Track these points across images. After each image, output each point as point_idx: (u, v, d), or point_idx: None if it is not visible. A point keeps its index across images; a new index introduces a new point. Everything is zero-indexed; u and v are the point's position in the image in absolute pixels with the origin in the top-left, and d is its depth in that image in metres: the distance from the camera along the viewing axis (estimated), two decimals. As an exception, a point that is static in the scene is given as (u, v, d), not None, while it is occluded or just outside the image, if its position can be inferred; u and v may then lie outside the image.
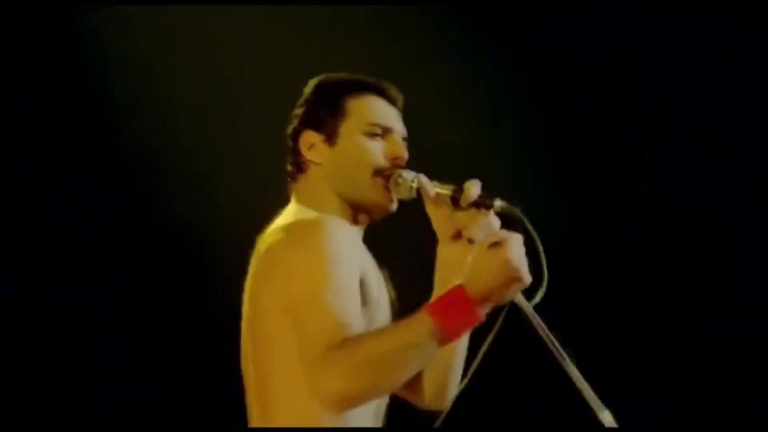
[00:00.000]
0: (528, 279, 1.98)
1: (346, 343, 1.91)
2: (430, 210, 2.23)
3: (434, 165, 2.27)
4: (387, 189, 2.23)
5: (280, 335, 2.04)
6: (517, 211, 2.08)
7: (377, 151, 2.24)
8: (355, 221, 2.25)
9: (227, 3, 4.01)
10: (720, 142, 4.05)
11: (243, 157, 3.97)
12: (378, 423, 2.21)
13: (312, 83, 2.33)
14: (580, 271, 3.96)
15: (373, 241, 2.28)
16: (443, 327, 1.92)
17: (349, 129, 2.25)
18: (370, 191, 2.23)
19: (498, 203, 2.12)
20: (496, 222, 2.14)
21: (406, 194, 2.22)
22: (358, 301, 2.03)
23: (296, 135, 2.29)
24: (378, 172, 2.23)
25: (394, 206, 2.26)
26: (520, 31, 4.05)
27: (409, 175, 2.22)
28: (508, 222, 2.10)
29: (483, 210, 2.14)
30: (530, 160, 4.07)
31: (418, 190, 2.21)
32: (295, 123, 2.30)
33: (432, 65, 3.99)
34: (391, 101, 2.30)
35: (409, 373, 1.98)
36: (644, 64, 4.02)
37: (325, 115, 2.26)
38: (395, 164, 2.24)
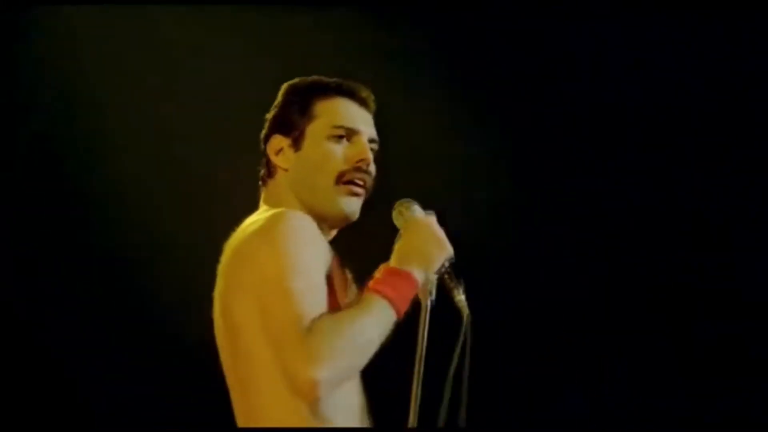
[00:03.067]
0: (442, 236, 2.16)
1: (314, 327, 1.94)
2: None
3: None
4: (351, 196, 2.23)
5: (257, 343, 2.06)
6: (466, 313, 2.15)
7: (339, 155, 2.24)
8: (320, 227, 2.23)
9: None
10: (720, 142, 4.05)
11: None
12: (362, 393, 2.22)
13: (283, 87, 2.34)
14: (579, 270, 3.98)
15: (338, 242, 2.30)
16: (393, 298, 2.04)
17: (314, 132, 2.26)
18: (330, 200, 2.23)
19: (459, 298, 2.17)
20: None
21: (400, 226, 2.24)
22: (323, 289, 2.06)
23: (266, 139, 2.31)
24: (340, 177, 2.23)
25: (355, 216, 2.26)
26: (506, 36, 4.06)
27: (413, 212, 2.23)
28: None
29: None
30: (524, 155, 4.07)
31: None
32: (266, 127, 2.32)
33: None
34: (361, 103, 2.30)
35: (374, 349, 2.02)
36: (640, 61, 4.02)
37: (294, 117, 2.27)
38: (357, 167, 2.23)
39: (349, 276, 2.28)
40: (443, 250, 2.15)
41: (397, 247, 2.15)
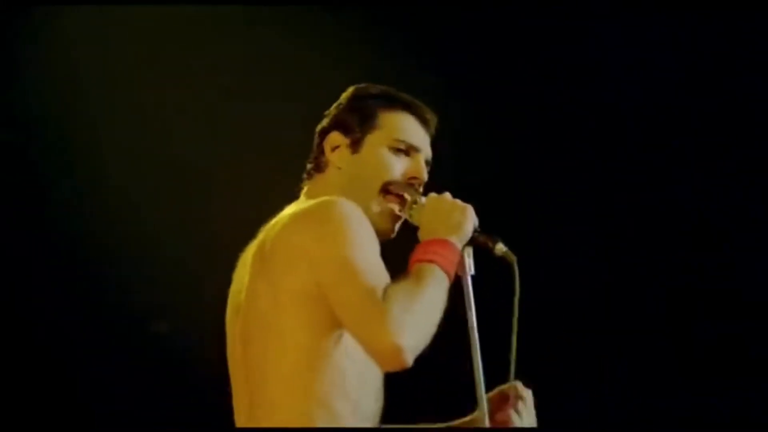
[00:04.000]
0: (463, 204, 2.15)
1: (389, 296, 1.94)
2: None
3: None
4: (392, 215, 2.22)
5: (289, 326, 2.03)
6: (514, 260, 2.14)
7: (396, 166, 2.23)
8: None
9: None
10: (720, 142, 4.05)
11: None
12: (380, 401, 2.17)
13: (350, 90, 2.32)
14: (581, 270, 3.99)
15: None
16: (441, 263, 2.05)
17: (375, 140, 2.24)
18: (373, 211, 2.20)
19: (499, 247, 2.16)
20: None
21: (417, 220, 2.20)
22: (383, 266, 2.04)
23: (324, 134, 2.29)
24: (388, 187, 2.22)
25: (392, 233, 2.24)
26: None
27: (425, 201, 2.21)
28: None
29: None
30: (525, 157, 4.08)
31: None
32: (325, 122, 2.30)
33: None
34: (424, 123, 2.29)
35: (441, 315, 2.02)
36: (639, 61, 4.03)
37: (356, 122, 2.26)
38: (409, 183, 2.23)
39: None
40: (469, 218, 2.14)
41: (423, 224, 2.15)
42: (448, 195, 2.18)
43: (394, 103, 2.28)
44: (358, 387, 2.06)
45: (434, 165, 2.26)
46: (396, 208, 2.21)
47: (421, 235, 2.13)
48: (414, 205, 2.19)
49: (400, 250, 2.21)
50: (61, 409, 4.04)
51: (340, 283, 2.00)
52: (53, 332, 4.02)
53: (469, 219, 2.14)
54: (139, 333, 4.04)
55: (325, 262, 2.01)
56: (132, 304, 4.04)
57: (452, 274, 2.08)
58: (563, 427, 3.93)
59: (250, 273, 2.13)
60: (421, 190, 2.24)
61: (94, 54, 4.02)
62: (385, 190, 2.22)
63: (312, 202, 2.14)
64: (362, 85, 2.33)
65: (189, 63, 4.01)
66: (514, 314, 2.11)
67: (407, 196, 2.21)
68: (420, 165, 2.25)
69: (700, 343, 4.00)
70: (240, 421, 2.15)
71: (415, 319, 1.94)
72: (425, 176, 2.26)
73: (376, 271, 2.00)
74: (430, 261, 2.04)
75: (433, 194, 2.20)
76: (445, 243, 2.09)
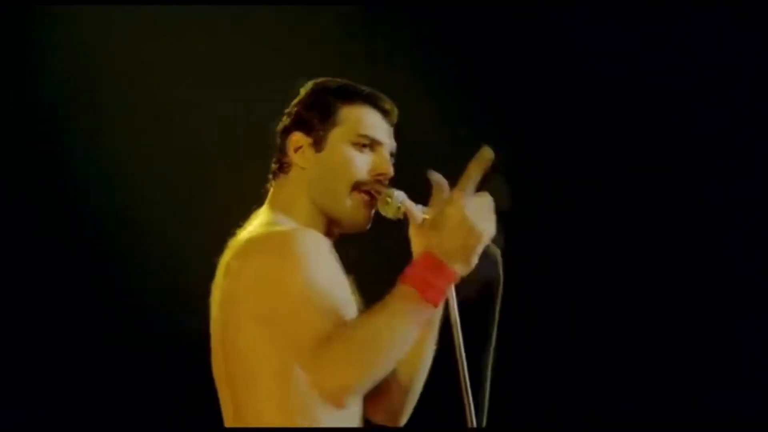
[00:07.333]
0: (490, 230, 1.95)
1: (337, 332, 1.92)
2: (413, 234, 2.24)
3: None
4: (365, 205, 2.22)
5: (254, 349, 2.04)
6: (498, 252, 2.06)
7: (361, 164, 2.23)
8: (326, 232, 2.23)
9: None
10: (721, 141, 4.05)
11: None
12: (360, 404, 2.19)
13: (308, 85, 2.32)
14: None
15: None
16: (423, 289, 1.91)
17: (337, 137, 2.24)
18: (346, 206, 2.22)
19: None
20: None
21: (393, 214, 2.22)
22: (341, 301, 2.03)
23: (285, 134, 2.28)
24: (357, 186, 2.22)
25: (367, 225, 2.25)
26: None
27: (398, 196, 2.21)
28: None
29: None
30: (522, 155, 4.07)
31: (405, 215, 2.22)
32: (286, 121, 2.30)
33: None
34: (385, 114, 2.29)
35: (406, 347, 1.95)
36: (642, 62, 4.03)
37: (317, 119, 2.25)
38: (377, 180, 2.23)
39: (351, 283, 2.27)
40: (482, 235, 1.94)
41: (432, 226, 1.96)
42: (471, 202, 1.95)
43: (354, 97, 2.27)
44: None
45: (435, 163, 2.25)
46: (366, 201, 2.21)
47: (431, 245, 1.95)
48: (389, 199, 2.21)
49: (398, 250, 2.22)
50: (61, 409, 4.04)
51: (287, 319, 1.98)
52: (54, 332, 4.02)
53: (475, 243, 1.94)
54: (138, 333, 4.03)
55: (278, 299, 2.00)
56: (132, 303, 4.03)
57: (436, 301, 1.93)
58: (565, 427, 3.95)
59: (220, 287, 2.15)
60: (387, 183, 2.24)
61: (100, 54, 4.03)
62: (355, 188, 2.22)
63: (270, 227, 2.13)
64: (320, 79, 2.32)
65: (191, 63, 4.01)
66: (495, 307, 2.08)
67: (378, 193, 2.21)
68: (385, 160, 2.25)
69: (701, 342, 4.00)
70: (228, 422, 2.17)
71: (361, 356, 1.90)
72: (391, 170, 2.25)
73: (327, 307, 1.97)
74: (415, 286, 1.91)
75: (407, 202, 2.17)
76: (441, 267, 1.93)
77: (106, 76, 4.05)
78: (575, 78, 4.02)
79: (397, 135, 2.32)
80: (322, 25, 4.01)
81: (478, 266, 1.97)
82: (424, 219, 2.20)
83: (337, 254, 2.18)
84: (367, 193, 2.23)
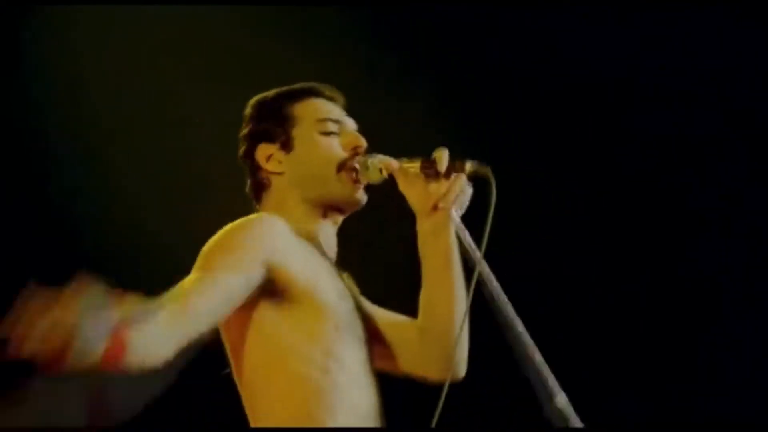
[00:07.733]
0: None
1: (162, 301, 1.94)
2: (404, 187, 2.22)
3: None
4: (355, 182, 2.23)
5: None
6: (488, 171, 2.11)
7: (335, 146, 2.24)
8: (326, 221, 2.24)
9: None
10: (721, 140, 4.05)
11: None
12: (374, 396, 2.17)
13: (250, 103, 2.33)
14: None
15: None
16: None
17: (302, 132, 2.25)
18: (338, 187, 2.22)
19: (469, 166, 2.14)
20: (468, 186, 2.17)
21: (377, 177, 2.22)
22: (222, 297, 2.00)
23: (250, 153, 2.28)
24: (341, 166, 2.23)
25: (364, 199, 2.25)
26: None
27: (373, 158, 2.22)
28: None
29: (456, 175, 2.15)
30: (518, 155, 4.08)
31: (390, 174, 2.22)
32: (245, 144, 2.29)
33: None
34: (332, 100, 2.31)
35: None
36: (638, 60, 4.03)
37: (274, 125, 2.26)
38: (354, 153, 2.24)
39: (347, 276, 2.27)
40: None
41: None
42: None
43: (299, 95, 2.30)
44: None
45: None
46: (354, 178, 2.23)
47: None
48: (368, 165, 2.22)
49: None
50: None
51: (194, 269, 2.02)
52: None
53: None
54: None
55: (206, 248, 2.04)
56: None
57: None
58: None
59: None
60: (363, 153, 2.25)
61: (96, 54, 4.03)
62: (339, 168, 2.23)
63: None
64: (256, 96, 2.33)
65: (189, 63, 4.02)
66: (486, 228, 2.07)
67: (357, 164, 2.22)
68: (354, 134, 2.27)
69: (700, 343, 4.00)
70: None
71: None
72: (363, 141, 2.26)
73: (211, 285, 1.97)
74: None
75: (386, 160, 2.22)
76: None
77: (102, 76, 4.04)
78: (575, 78, 4.02)
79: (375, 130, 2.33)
80: (323, 27, 4.01)
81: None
82: (407, 167, 2.20)
83: (320, 242, 2.20)
84: (352, 169, 2.23)
